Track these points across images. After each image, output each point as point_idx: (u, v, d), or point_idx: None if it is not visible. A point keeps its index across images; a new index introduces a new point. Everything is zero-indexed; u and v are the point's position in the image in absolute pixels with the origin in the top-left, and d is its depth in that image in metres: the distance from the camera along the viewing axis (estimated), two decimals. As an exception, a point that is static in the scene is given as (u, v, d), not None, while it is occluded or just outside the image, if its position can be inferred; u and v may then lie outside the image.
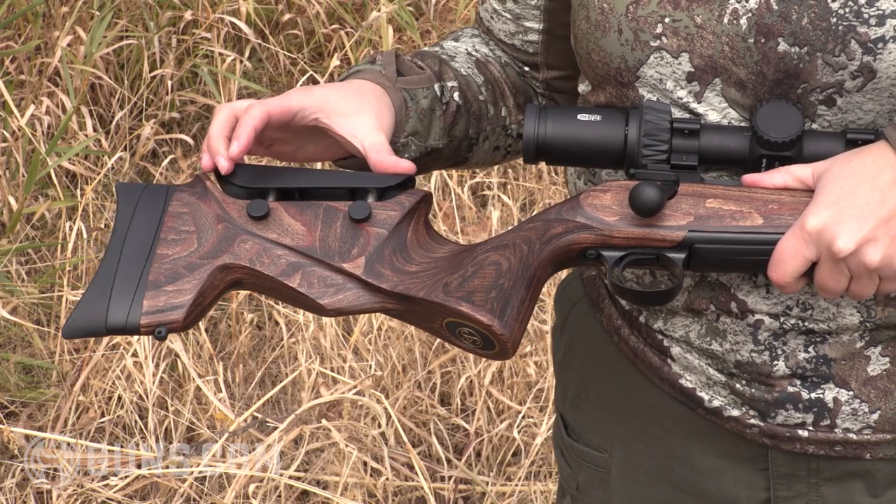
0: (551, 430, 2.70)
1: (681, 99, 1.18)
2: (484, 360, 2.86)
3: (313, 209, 1.18)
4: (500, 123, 1.35)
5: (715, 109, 1.18)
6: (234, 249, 1.16)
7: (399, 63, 1.27)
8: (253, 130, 1.15)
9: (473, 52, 1.36)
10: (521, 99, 1.37)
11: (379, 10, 3.53)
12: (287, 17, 3.67)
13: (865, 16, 1.11)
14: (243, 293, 2.98)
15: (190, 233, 1.17)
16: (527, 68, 1.38)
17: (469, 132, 1.31)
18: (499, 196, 3.24)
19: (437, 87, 1.27)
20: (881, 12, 1.10)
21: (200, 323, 2.85)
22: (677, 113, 1.19)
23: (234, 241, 1.16)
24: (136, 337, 2.73)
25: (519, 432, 2.77)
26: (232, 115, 1.18)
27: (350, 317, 2.95)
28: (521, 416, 2.77)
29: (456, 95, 1.29)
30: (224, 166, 1.16)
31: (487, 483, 2.73)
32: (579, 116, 1.18)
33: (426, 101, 1.26)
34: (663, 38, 1.17)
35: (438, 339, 2.91)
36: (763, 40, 1.13)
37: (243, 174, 1.19)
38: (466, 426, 2.82)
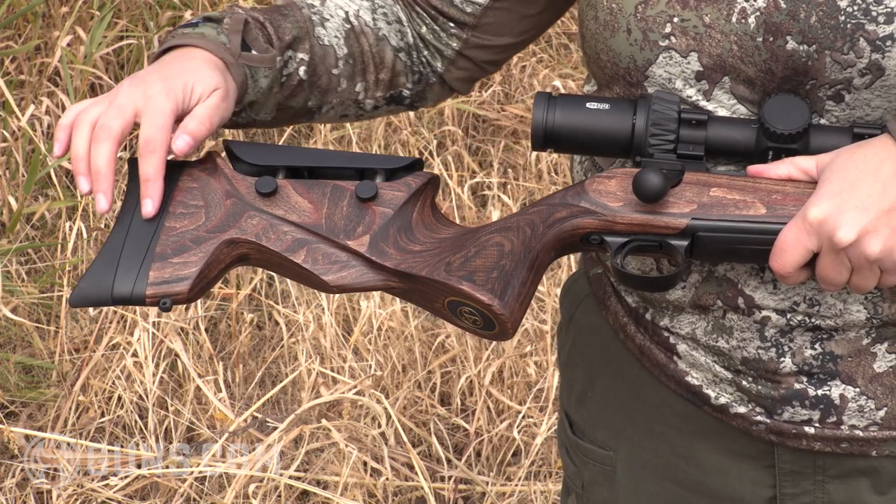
0: (551, 430, 2.71)
1: (690, 97, 1.18)
2: (484, 359, 2.86)
3: (321, 188, 1.20)
4: (352, 97, 1.33)
5: (724, 106, 1.18)
6: (240, 224, 1.18)
7: (246, 31, 1.24)
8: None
9: (353, 19, 1.32)
10: (387, 75, 1.34)
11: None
12: (286, 17, 3.67)
13: (874, 14, 1.11)
14: (244, 293, 2.98)
15: (198, 207, 1.18)
16: (451, 24, 1.34)
17: (309, 105, 1.30)
18: (499, 196, 3.24)
19: (280, 59, 1.25)
20: (890, 10, 1.11)
21: (200, 323, 2.85)
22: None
23: (242, 216, 1.18)
24: (136, 337, 2.73)
25: (519, 432, 2.77)
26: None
27: (350, 317, 2.95)
28: (521, 416, 2.78)
29: (302, 71, 1.27)
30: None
31: (487, 483, 2.73)
32: (588, 105, 1.19)
33: (265, 81, 1.25)
34: (672, 37, 1.17)
35: (438, 339, 2.91)
36: (771, 39, 1.14)
37: (253, 152, 1.21)
38: (466, 426, 2.82)
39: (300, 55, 1.27)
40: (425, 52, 1.36)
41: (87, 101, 1.19)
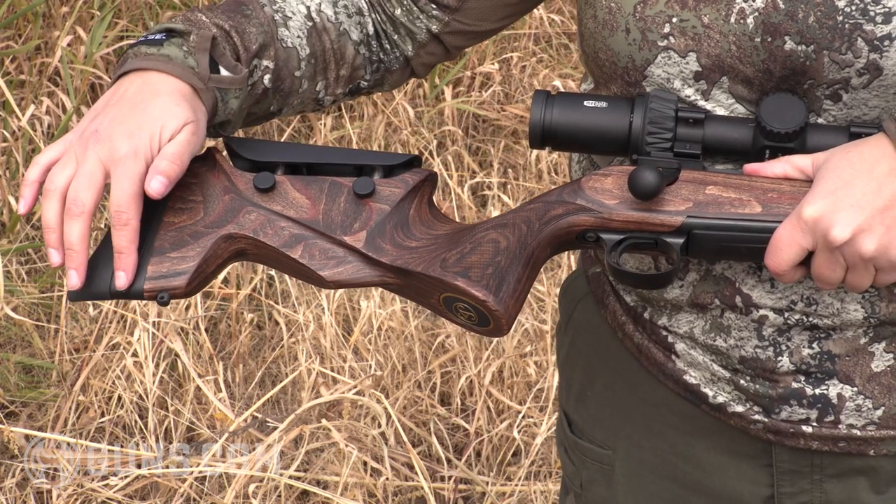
0: (551, 430, 2.71)
1: (688, 97, 1.19)
2: (484, 359, 2.86)
3: (319, 184, 1.21)
4: (312, 97, 1.32)
5: (722, 106, 1.18)
6: (238, 220, 1.19)
7: (213, 47, 1.20)
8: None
9: (314, 16, 1.29)
10: (347, 71, 1.32)
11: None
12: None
13: (871, 13, 1.11)
14: (243, 293, 2.98)
15: (197, 202, 1.19)
16: (433, 6, 1.32)
17: (271, 109, 1.29)
18: (499, 196, 3.24)
19: (247, 70, 1.22)
20: (887, 10, 1.11)
21: (200, 323, 2.85)
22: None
23: (240, 211, 1.19)
24: (136, 336, 2.73)
25: (519, 432, 2.77)
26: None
27: (350, 317, 2.95)
28: (521, 416, 2.78)
29: (266, 79, 1.25)
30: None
31: (487, 483, 2.73)
32: (585, 103, 1.19)
33: (236, 102, 1.22)
34: (671, 37, 1.17)
35: (438, 339, 2.92)
36: (770, 39, 1.14)
37: (252, 148, 1.22)
38: (466, 426, 2.82)
39: (265, 62, 1.25)
40: (395, 36, 1.35)
41: (51, 151, 1.16)
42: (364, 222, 1.19)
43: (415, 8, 1.33)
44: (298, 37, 1.28)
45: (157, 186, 1.14)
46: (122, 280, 1.14)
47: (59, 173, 1.14)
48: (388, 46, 1.36)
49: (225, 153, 1.23)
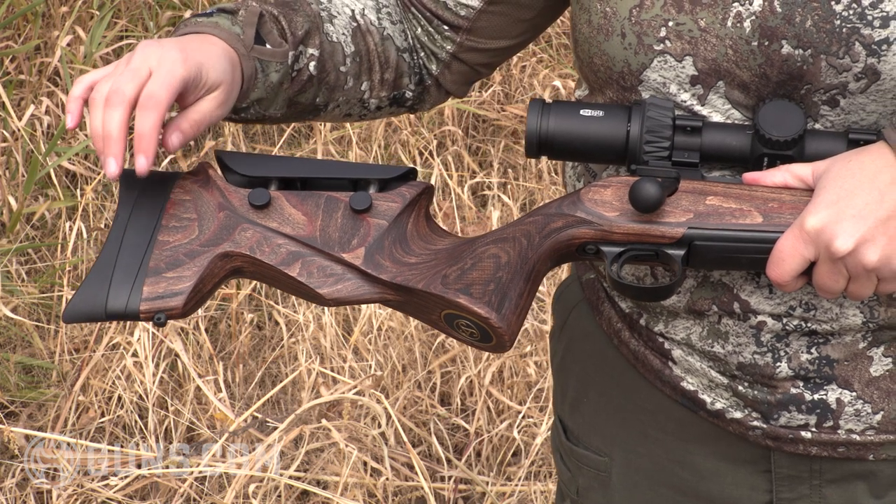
0: (551, 430, 2.71)
1: (684, 102, 1.18)
2: (484, 359, 2.86)
3: (314, 199, 1.19)
4: (357, 96, 1.33)
5: (718, 111, 1.18)
6: (234, 237, 1.17)
7: (260, 24, 1.23)
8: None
9: (359, 18, 1.32)
10: (391, 75, 1.34)
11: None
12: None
13: (869, 18, 1.11)
14: (244, 293, 2.98)
15: (191, 220, 1.18)
16: (445, 27, 1.33)
17: (317, 101, 1.29)
18: (499, 196, 3.24)
19: (293, 54, 1.24)
20: (885, 14, 1.10)
21: (200, 323, 2.85)
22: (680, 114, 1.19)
23: (235, 229, 1.17)
24: (136, 337, 2.73)
25: (519, 432, 2.77)
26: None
27: (350, 317, 2.95)
28: (521, 416, 2.78)
29: (312, 66, 1.26)
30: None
31: (487, 483, 2.73)
32: (582, 112, 1.18)
33: (276, 76, 1.23)
34: (667, 41, 1.16)
35: (438, 339, 2.91)
36: (767, 43, 1.14)
37: (245, 163, 1.20)
38: (466, 426, 2.82)
39: (310, 50, 1.26)
40: (421, 54, 1.36)
41: (98, 72, 1.16)
42: (362, 238, 1.17)
43: (430, 28, 1.33)
44: (343, 34, 1.29)
45: (175, 141, 1.14)
46: (142, 161, 1.12)
47: (104, 84, 1.13)
48: (421, 62, 1.36)
49: (217, 167, 1.22)
